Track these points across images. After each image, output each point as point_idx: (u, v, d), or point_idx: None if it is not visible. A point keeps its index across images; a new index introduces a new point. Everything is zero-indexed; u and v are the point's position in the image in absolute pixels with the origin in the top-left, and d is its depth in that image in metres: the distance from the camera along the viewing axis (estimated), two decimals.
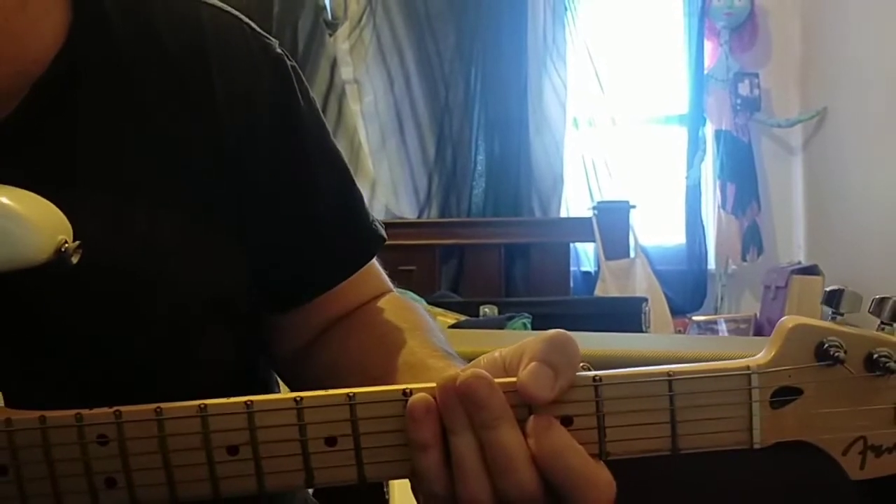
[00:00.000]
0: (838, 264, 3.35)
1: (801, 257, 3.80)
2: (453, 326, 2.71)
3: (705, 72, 3.91)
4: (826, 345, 0.51)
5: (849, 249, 3.34)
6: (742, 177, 3.85)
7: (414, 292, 2.91)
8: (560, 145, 3.93)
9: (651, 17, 4.05)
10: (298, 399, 0.52)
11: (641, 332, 2.88)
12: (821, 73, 3.69)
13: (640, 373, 0.52)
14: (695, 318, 3.78)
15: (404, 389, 0.51)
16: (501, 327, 2.70)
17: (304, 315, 0.76)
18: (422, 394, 0.50)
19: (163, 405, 0.52)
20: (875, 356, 0.51)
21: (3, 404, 0.54)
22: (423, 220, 3.89)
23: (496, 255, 3.69)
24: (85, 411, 0.52)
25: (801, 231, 3.88)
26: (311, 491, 0.84)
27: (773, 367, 0.52)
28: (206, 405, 0.52)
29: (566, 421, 0.51)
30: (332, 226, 0.75)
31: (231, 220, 0.70)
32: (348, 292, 0.76)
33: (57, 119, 0.65)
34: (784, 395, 0.52)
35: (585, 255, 3.95)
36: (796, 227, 3.90)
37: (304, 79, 0.75)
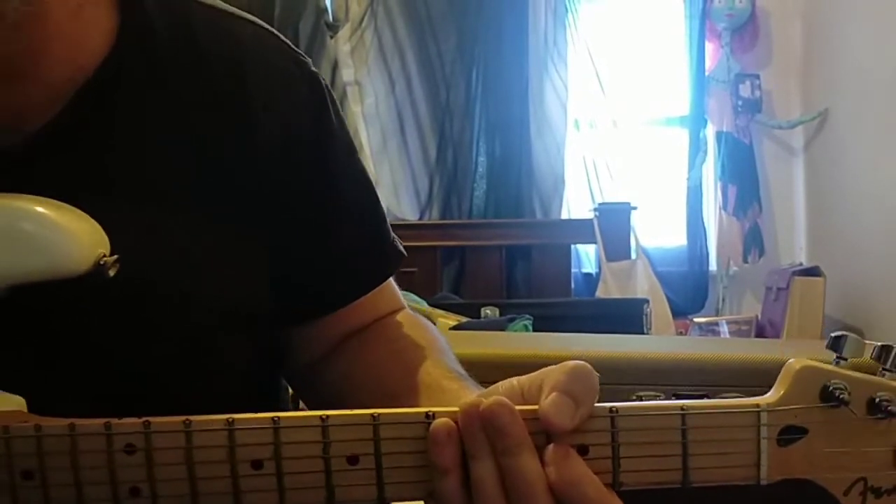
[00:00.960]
0: (840, 265, 3.35)
1: (802, 259, 3.80)
2: (454, 328, 2.71)
3: (706, 73, 3.91)
4: (831, 387, 0.54)
5: (850, 250, 3.34)
6: (743, 178, 3.84)
7: (415, 294, 2.91)
8: (561, 147, 3.93)
9: (652, 19, 4.05)
10: (324, 417, 0.53)
11: (642, 333, 2.87)
12: (822, 75, 3.69)
13: (655, 406, 0.54)
14: (696, 319, 3.77)
15: (427, 412, 0.53)
16: (503, 329, 2.70)
17: (322, 327, 0.77)
18: (444, 418, 0.51)
19: (192, 417, 0.53)
20: (877, 400, 0.54)
21: (25, 411, 0.55)
22: (425, 221, 3.89)
23: (497, 257, 3.69)
24: (114, 420, 0.53)
25: (802, 232, 3.88)
26: None
27: (781, 406, 0.54)
28: (234, 419, 0.53)
29: (582, 450, 0.52)
30: (356, 242, 0.77)
31: (260, 232, 0.71)
32: (366, 306, 0.78)
33: (97, 125, 0.66)
34: (790, 434, 0.54)
35: (586, 256, 3.95)
36: (798, 228, 3.90)
37: (335, 98, 0.77)
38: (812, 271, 3.41)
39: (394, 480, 0.53)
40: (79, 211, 0.58)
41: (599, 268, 3.74)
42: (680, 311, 3.73)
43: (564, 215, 3.95)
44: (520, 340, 2.11)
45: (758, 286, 3.83)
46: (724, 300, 3.89)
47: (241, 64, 0.71)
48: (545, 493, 0.50)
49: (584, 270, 3.93)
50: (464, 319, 2.87)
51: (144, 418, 0.52)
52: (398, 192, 3.92)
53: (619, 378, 2.09)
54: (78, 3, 0.65)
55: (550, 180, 3.93)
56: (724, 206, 3.86)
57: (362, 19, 3.93)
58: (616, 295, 3.57)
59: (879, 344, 0.55)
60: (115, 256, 0.58)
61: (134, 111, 0.68)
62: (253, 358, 0.73)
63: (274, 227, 0.71)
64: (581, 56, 3.96)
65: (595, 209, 3.73)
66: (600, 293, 3.66)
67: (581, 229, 3.71)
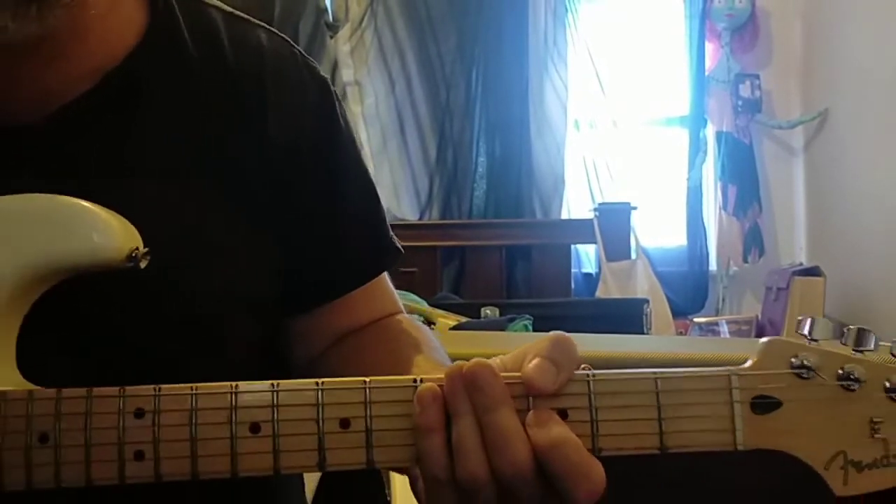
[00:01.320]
0: (840, 265, 3.35)
1: (802, 258, 3.80)
2: (455, 328, 2.71)
3: (706, 73, 3.91)
4: (799, 358, 0.56)
5: (850, 250, 3.34)
6: (743, 178, 3.85)
7: (415, 294, 2.91)
8: (561, 147, 3.93)
9: (652, 19, 4.05)
10: (320, 382, 0.56)
11: (642, 333, 2.87)
12: (822, 75, 3.69)
13: (630, 372, 0.57)
14: (696, 319, 3.78)
15: (415, 378, 0.56)
16: (503, 329, 2.70)
17: (320, 322, 0.81)
18: (430, 383, 0.55)
19: (199, 384, 0.57)
20: (845, 371, 0.56)
21: None
22: (425, 221, 3.89)
23: (497, 257, 3.69)
24: (129, 387, 0.57)
25: (802, 232, 3.89)
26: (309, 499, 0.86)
27: (751, 372, 0.57)
28: (238, 384, 0.57)
29: (562, 414, 0.55)
30: (355, 235, 0.81)
31: (268, 225, 0.75)
32: (363, 304, 0.82)
33: (118, 110, 0.71)
34: (766, 406, 0.56)
35: (586, 256, 3.95)
36: (798, 228, 3.90)
37: (343, 103, 0.83)
38: (812, 271, 3.41)
39: (383, 444, 0.56)
40: (112, 211, 0.63)
41: (599, 268, 3.74)
42: (680, 311, 3.74)
43: (564, 215, 3.96)
44: (520, 340, 2.11)
45: (758, 286, 3.83)
46: (724, 300, 3.89)
47: (259, 68, 0.77)
48: (523, 445, 0.53)
49: (584, 270, 3.93)
50: (464, 319, 2.87)
51: (158, 385, 0.57)
52: (398, 193, 3.92)
53: None
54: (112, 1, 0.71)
55: (550, 180, 3.93)
56: (724, 206, 3.86)
57: (362, 19, 3.93)
58: (616, 295, 3.57)
59: (856, 328, 0.56)
60: (147, 249, 0.63)
61: (155, 101, 0.72)
62: (261, 348, 0.76)
63: (281, 220, 0.76)
64: (581, 56, 3.96)
65: (595, 209, 3.74)
66: (600, 293, 3.66)
67: (581, 229, 3.71)
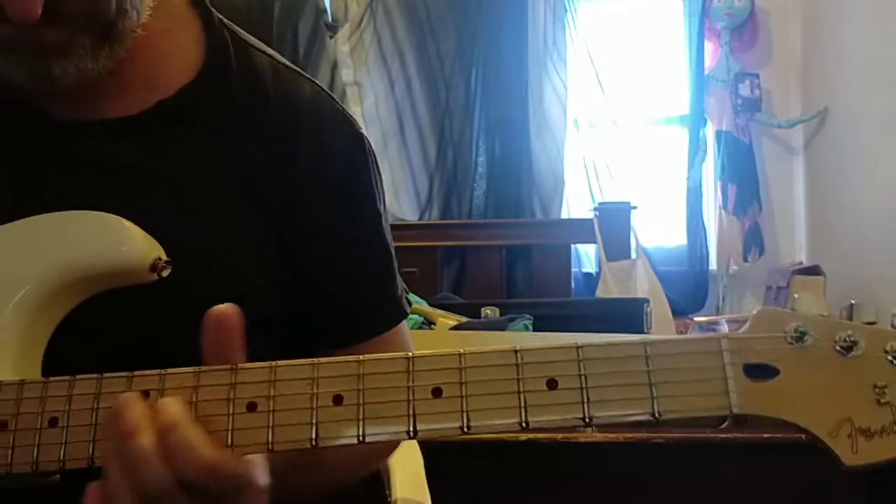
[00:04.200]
0: (840, 264, 3.35)
1: (802, 257, 3.80)
2: (454, 328, 2.71)
3: (706, 72, 3.91)
4: (793, 325, 0.55)
5: (850, 249, 3.34)
6: (743, 177, 3.84)
7: (415, 294, 2.91)
8: (561, 147, 3.93)
9: (651, 18, 4.05)
10: (315, 361, 0.59)
11: (643, 333, 2.87)
12: (822, 74, 3.69)
13: (619, 339, 0.57)
14: (696, 318, 3.77)
15: (408, 355, 0.58)
16: (503, 329, 2.70)
17: None
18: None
19: (202, 367, 0.60)
20: (842, 337, 0.54)
21: None
22: (424, 221, 3.89)
23: (497, 257, 3.68)
24: (139, 371, 0.61)
25: (802, 231, 3.88)
26: None
27: (742, 335, 0.56)
28: (237, 364, 0.60)
29: (551, 383, 0.56)
30: (361, 293, 0.85)
31: (286, 256, 0.80)
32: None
33: (167, 135, 0.77)
34: (762, 372, 0.55)
35: (587, 256, 3.94)
36: (798, 227, 3.90)
37: (376, 160, 0.87)
38: (812, 270, 3.40)
39: (374, 419, 0.57)
40: (135, 225, 0.69)
41: (599, 267, 3.74)
42: (680, 311, 3.73)
43: (564, 215, 3.95)
44: (520, 340, 2.11)
45: (758, 285, 3.83)
46: (724, 299, 3.89)
47: (296, 114, 0.82)
48: (157, 462, 0.56)
49: (585, 270, 3.93)
50: (464, 319, 2.87)
51: (165, 370, 0.60)
52: (398, 193, 3.92)
53: None
54: (165, 27, 0.78)
55: (550, 180, 3.93)
56: (724, 206, 3.86)
57: (361, 20, 3.92)
58: (616, 295, 3.57)
59: (846, 305, 0.55)
60: (168, 259, 0.67)
61: (198, 133, 0.79)
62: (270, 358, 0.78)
63: (292, 261, 0.80)
64: (580, 56, 3.95)
65: (595, 209, 3.73)
66: (600, 293, 3.66)
67: (581, 229, 3.71)
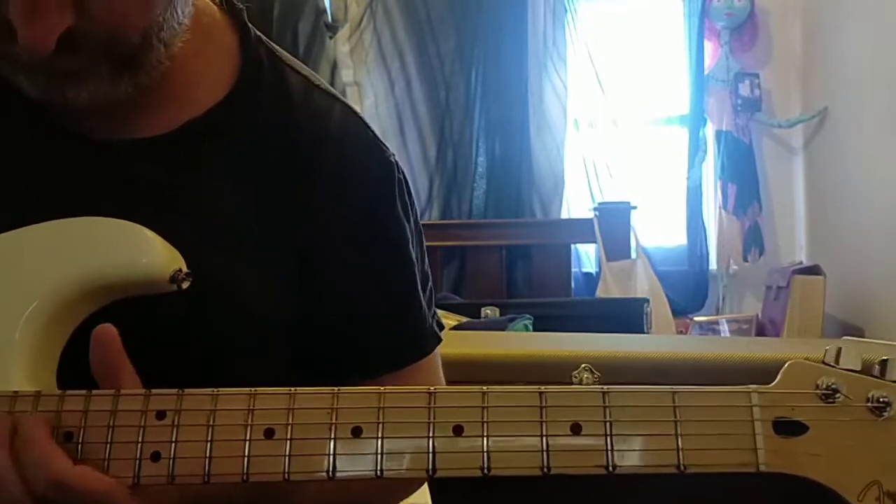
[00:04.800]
0: (840, 264, 3.35)
1: (802, 257, 3.80)
2: (455, 328, 2.71)
3: (706, 72, 3.91)
4: (825, 381, 0.53)
5: (850, 249, 3.34)
6: (743, 177, 3.84)
7: None
8: (561, 147, 3.93)
9: (651, 18, 4.05)
10: (335, 390, 0.58)
11: (643, 332, 2.87)
12: (821, 74, 3.68)
13: (646, 387, 0.55)
14: (696, 318, 3.77)
15: (430, 388, 0.57)
16: (503, 329, 2.70)
17: None
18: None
19: (221, 389, 0.59)
20: (876, 397, 0.53)
21: None
22: (425, 221, 3.86)
23: (497, 257, 3.68)
24: (156, 389, 0.60)
25: (802, 231, 3.88)
26: None
27: (773, 390, 0.54)
28: (257, 389, 0.58)
29: (575, 428, 0.54)
30: (380, 324, 0.82)
31: (307, 282, 0.78)
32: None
33: (192, 153, 0.77)
34: (791, 429, 0.53)
35: (587, 256, 3.94)
36: (798, 227, 3.90)
37: (408, 191, 0.85)
38: (812, 270, 3.40)
39: (393, 450, 0.56)
40: (157, 235, 0.68)
41: (599, 267, 3.74)
42: (680, 311, 3.73)
43: (564, 215, 3.95)
44: (520, 340, 2.11)
45: (758, 285, 3.83)
46: (724, 299, 3.89)
47: (324, 140, 0.80)
48: (13, 481, 0.58)
49: (585, 270, 3.93)
50: (464, 319, 2.87)
51: (183, 389, 0.59)
52: None
53: (619, 378, 2.09)
54: (199, 47, 0.76)
55: (550, 180, 3.93)
56: (724, 205, 3.86)
57: (361, 20, 3.92)
58: (616, 294, 3.57)
59: (879, 360, 0.54)
60: (188, 271, 0.67)
61: (225, 152, 0.78)
62: (280, 368, 0.78)
63: (313, 288, 0.78)
64: (580, 56, 3.95)
65: (595, 209, 3.73)
66: (600, 293, 3.66)
67: (581, 229, 3.71)
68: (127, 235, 0.67)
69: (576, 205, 3.98)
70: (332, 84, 3.81)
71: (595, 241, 3.68)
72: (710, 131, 3.93)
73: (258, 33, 0.83)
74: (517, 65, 3.92)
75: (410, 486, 0.86)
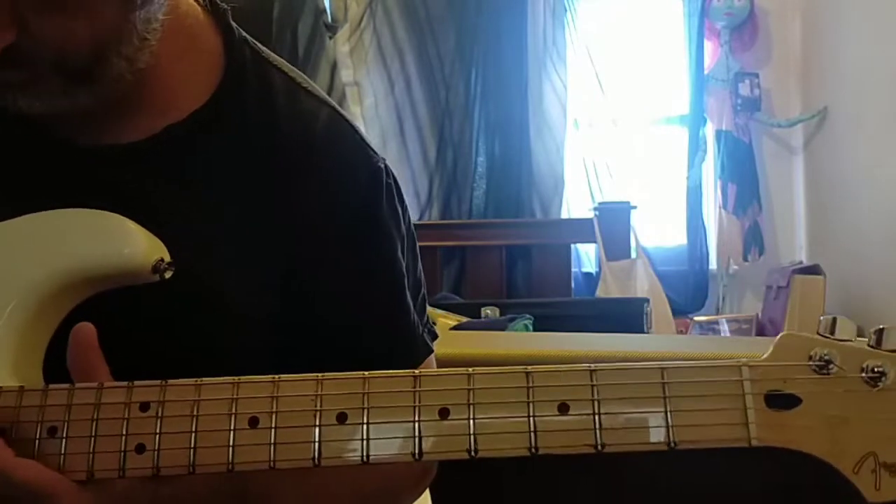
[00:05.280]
0: (840, 264, 3.35)
1: (802, 257, 3.80)
2: (454, 328, 2.71)
3: (705, 72, 3.90)
4: (818, 352, 0.52)
5: (850, 249, 3.34)
6: (743, 177, 3.84)
7: None
8: (561, 146, 3.93)
9: (651, 18, 4.04)
10: (319, 377, 0.57)
11: (643, 332, 2.87)
12: (821, 73, 3.68)
13: (634, 364, 0.54)
14: (696, 318, 3.77)
15: (414, 373, 0.57)
16: (503, 329, 2.70)
17: None
18: None
19: (204, 378, 0.59)
20: (871, 367, 0.51)
21: None
22: (425, 221, 3.89)
23: (497, 257, 3.68)
24: (139, 382, 0.59)
25: (802, 231, 3.88)
26: None
27: (765, 363, 0.53)
28: (240, 378, 0.58)
29: (563, 407, 0.53)
30: (367, 332, 0.80)
31: (290, 289, 0.77)
32: None
33: (174, 160, 0.76)
34: (783, 402, 0.52)
35: (587, 256, 3.94)
36: (798, 226, 3.90)
37: (397, 196, 0.84)
38: (812, 269, 3.40)
39: (378, 439, 0.55)
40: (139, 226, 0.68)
41: (599, 267, 3.74)
42: (680, 310, 3.73)
43: (564, 215, 3.95)
44: (520, 340, 2.11)
45: (758, 285, 3.83)
46: (724, 299, 3.89)
47: (309, 142, 0.79)
48: None
49: (584, 270, 3.93)
50: (464, 319, 2.87)
51: (165, 381, 0.59)
52: None
53: None
54: (182, 52, 0.76)
55: (550, 180, 3.93)
56: (724, 205, 3.86)
57: (361, 20, 3.92)
58: (616, 294, 3.57)
59: (879, 328, 0.53)
60: (171, 260, 0.67)
61: (206, 156, 0.77)
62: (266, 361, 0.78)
63: (298, 295, 0.77)
64: (580, 55, 3.95)
65: (595, 209, 3.73)
66: (600, 292, 3.66)
67: (581, 229, 3.71)
68: (108, 226, 0.67)
69: (576, 205, 3.98)
70: (331, 84, 3.84)
71: (595, 241, 3.68)
72: (709, 131, 3.92)
73: (243, 34, 0.82)
74: (517, 65, 3.91)
75: (409, 493, 0.85)
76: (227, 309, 0.75)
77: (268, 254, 0.76)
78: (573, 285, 3.78)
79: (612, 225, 3.63)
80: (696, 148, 3.89)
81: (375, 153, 0.83)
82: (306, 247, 0.77)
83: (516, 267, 3.76)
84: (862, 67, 3.25)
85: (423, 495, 0.94)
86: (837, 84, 3.49)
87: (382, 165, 0.83)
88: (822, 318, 0.54)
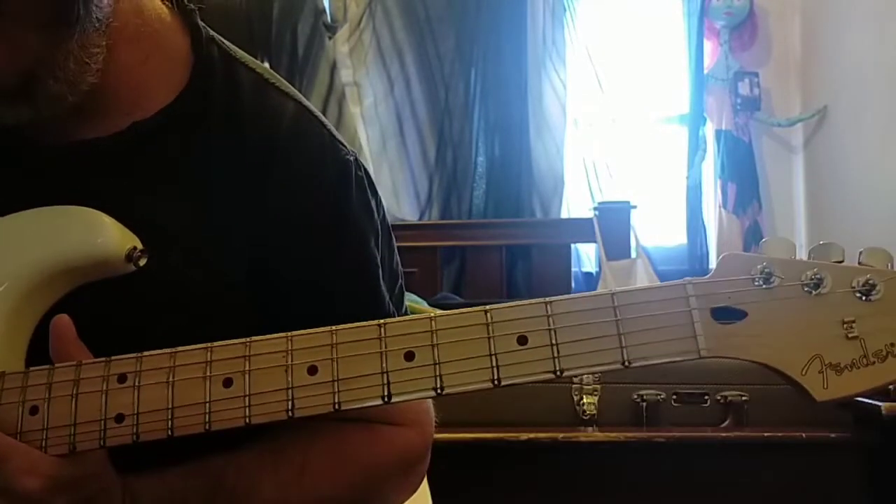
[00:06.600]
0: None
1: (802, 256, 3.80)
2: None
3: (705, 71, 3.91)
4: (759, 267, 0.55)
5: (850, 248, 3.33)
6: (743, 176, 3.84)
7: (415, 294, 2.91)
8: (560, 146, 3.93)
9: (650, 17, 4.05)
10: (289, 335, 0.60)
11: None
12: (821, 72, 3.69)
13: (587, 294, 0.58)
14: None
15: (379, 323, 0.60)
16: None
17: None
18: None
19: (179, 347, 0.61)
20: (809, 276, 0.55)
21: None
22: (424, 221, 3.89)
23: (497, 257, 3.68)
24: (116, 356, 0.62)
25: (802, 230, 3.88)
26: None
27: (708, 280, 0.56)
28: (213, 344, 0.61)
29: (522, 339, 0.57)
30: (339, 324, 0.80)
31: (257, 284, 0.78)
32: None
33: (139, 156, 0.77)
34: (730, 315, 0.55)
35: (587, 255, 3.94)
36: (797, 225, 3.90)
37: (370, 188, 0.83)
38: None
39: (349, 388, 0.58)
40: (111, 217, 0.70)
41: (600, 267, 3.74)
42: None
43: (564, 215, 3.95)
44: None
45: None
46: None
47: (275, 140, 0.79)
48: None
49: (585, 269, 3.93)
50: None
51: (141, 353, 0.62)
52: (398, 193, 3.92)
53: (619, 377, 2.09)
54: (146, 55, 0.77)
55: (550, 180, 3.93)
56: (724, 204, 3.86)
57: (361, 20, 3.92)
58: None
59: (820, 243, 0.57)
60: (143, 248, 0.68)
61: (169, 153, 0.78)
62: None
63: (265, 290, 0.78)
64: (580, 55, 3.95)
65: (595, 208, 3.73)
66: None
67: (581, 228, 3.71)
68: (82, 219, 0.69)
69: (576, 204, 3.98)
70: (331, 84, 3.85)
71: (595, 241, 3.68)
72: (709, 130, 3.93)
73: (211, 33, 0.83)
74: (516, 64, 3.92)
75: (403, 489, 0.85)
76: (192, 305, 0.76)
77: (234, 250, 0.77)
78: (573, 285, 3.77)
79: (611, 225, 3.63)
80: (695, 147, 3.89)
81: (344, 146, 0.83)
82: (274, 243, 0.78)
83: (516, 267, 3.76)
84: (862, 67, 3.25)
85: (422, 495, 0.94)
86: (837, 83, 3.49)
87: (352, 158, 0.82)
88: (763, 240, 0.58)
